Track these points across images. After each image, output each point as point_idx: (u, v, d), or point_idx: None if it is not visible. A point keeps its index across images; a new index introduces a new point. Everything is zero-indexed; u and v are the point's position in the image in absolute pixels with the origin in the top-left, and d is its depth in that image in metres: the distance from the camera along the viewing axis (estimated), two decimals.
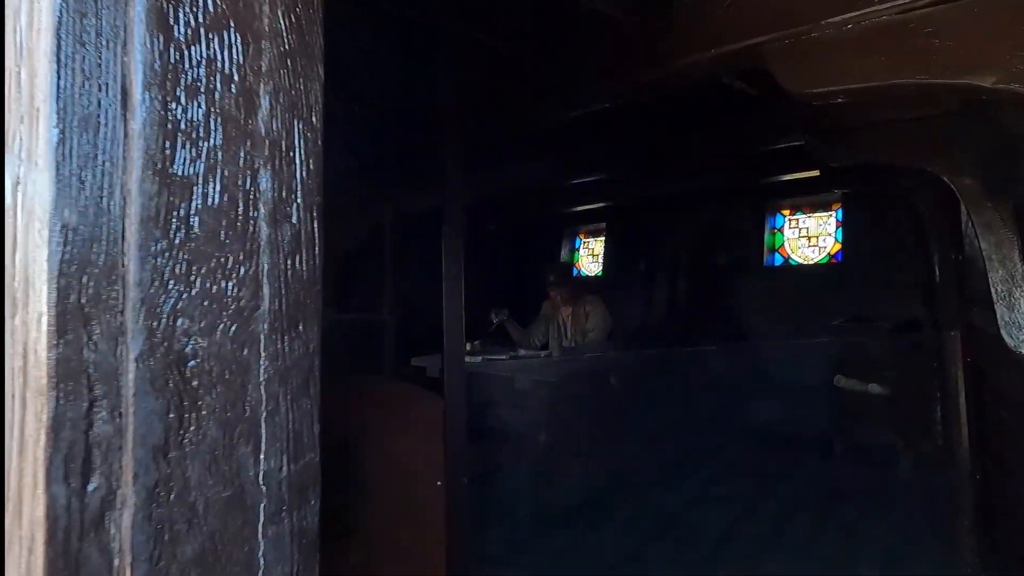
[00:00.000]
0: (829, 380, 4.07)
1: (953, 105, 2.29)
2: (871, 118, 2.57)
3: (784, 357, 5.01)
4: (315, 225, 0.60)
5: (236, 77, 0.54)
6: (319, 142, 0.61)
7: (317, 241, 0.61)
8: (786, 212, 5.54)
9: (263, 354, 0.55)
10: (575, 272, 7.12)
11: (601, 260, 6.75)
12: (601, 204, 5.41)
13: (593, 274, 6.88)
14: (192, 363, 0.50)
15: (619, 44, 1.75)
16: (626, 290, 6.30)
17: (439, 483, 2.02)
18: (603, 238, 6.79)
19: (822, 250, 5.26)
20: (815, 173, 3.95)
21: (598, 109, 2.23)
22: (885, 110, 2.54)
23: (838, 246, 5.07)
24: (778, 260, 5.49)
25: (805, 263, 5.28)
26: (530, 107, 2.23)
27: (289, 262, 0.58)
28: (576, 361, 3.84)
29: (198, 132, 0.52)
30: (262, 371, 0.55)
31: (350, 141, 2.83)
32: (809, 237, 5.38)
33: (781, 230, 5.54)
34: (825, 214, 5.29)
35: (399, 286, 4.92)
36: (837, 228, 5.13)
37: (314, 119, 0.61)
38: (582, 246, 7.17)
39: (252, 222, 0.55)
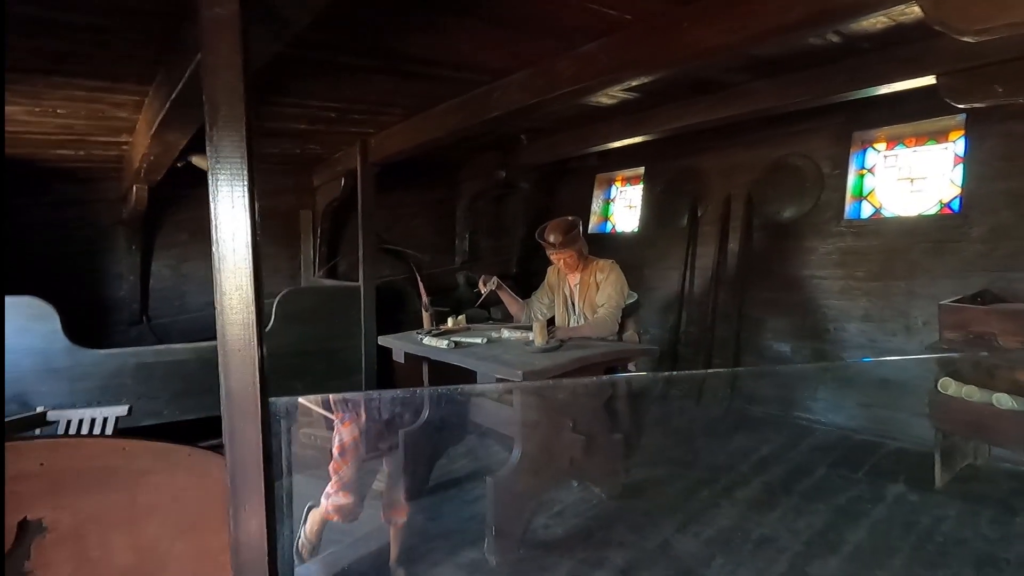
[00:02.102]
0: (932, 384, 2.88)
1: None
2: None
3: (869, 347, 3.79)
4: None
5: None
6: None
7: None
8: (880, 144, 4.14)
9: None
10: (605, 228, 6.00)
11: (638, 213, 5.58)
12: (639, 138, 4.14)
13: (629, 230, 5.74)
14: None
15: None
16: (665, 250, 5.15)
17: None
18: (641, 185, 5.60)
19: (931, 198, 3.87)
20: (928, 80, 2.66)
21: None
22: None
23: (957, 191, 3.68)
24: (866, 211, 4.15)
25: (905, 216, 3.91)
26: None
27: None
28: (569, 353, 2.87)
29: None
30: None
31: None
32: (912, 179, 3.99)
33: (872, 170, 4.17)
34: (939, 146, 3.87)
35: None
36: (956, 165, 3.72)
37: None
38: (617, 195, 6.01)
39: None
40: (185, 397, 3.56)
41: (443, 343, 3.04)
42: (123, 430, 3.20)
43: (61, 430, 3.01)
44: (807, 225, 4.21)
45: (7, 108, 2.62)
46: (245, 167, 1.25)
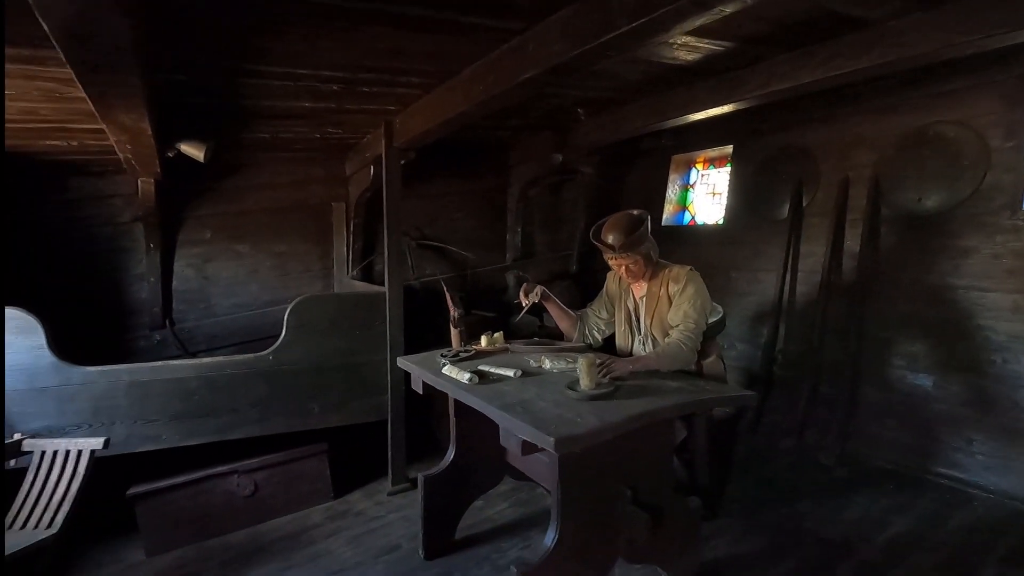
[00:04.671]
0: None
1: None
2: None
3: None
4: None
5: None
6: None
7: None
8: None
9: None
10: (682, 219, 5.08)
11: (724, 202, 4.63)
12: (728, 107, 3.03)
13: (712, 223, 4.80)
14: None
15: None
16: (758, 248, 4.20)
17: None
18: (728, 167, 4.64)
19: None
20: None
21: None
22: None
23: None
24: None
25: None
26: None
27: None
28: (627, 405, 2.10)
29: None
30: None
31: None
32: None
33: None
34: None
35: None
36: None
37: None
38: (697, 180, 5.06)
39: None
40: (186, 419, 3.13)
41: (464, 375, 2.37)
42: (106, 459, 2.81)
43: (35, 461, 2.64)
44: (962, 217, 3.14)
45: None
46: None
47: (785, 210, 4.00)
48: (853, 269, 3.57)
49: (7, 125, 2.71)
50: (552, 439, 1.71)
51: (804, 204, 3.92)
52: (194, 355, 4.20)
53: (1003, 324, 2.94)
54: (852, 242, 3.60)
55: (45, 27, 1.30)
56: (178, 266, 4.19)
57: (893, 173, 3.46)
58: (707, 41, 2.43)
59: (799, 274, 3.91)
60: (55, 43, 1.40)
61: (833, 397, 3.57)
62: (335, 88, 2.64)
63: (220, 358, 3.27)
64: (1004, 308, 2.94)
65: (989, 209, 3.04)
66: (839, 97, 3.55)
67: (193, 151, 2.88)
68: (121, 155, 2.84)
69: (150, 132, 2.35)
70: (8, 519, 2.49)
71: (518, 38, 2.11)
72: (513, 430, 1.91)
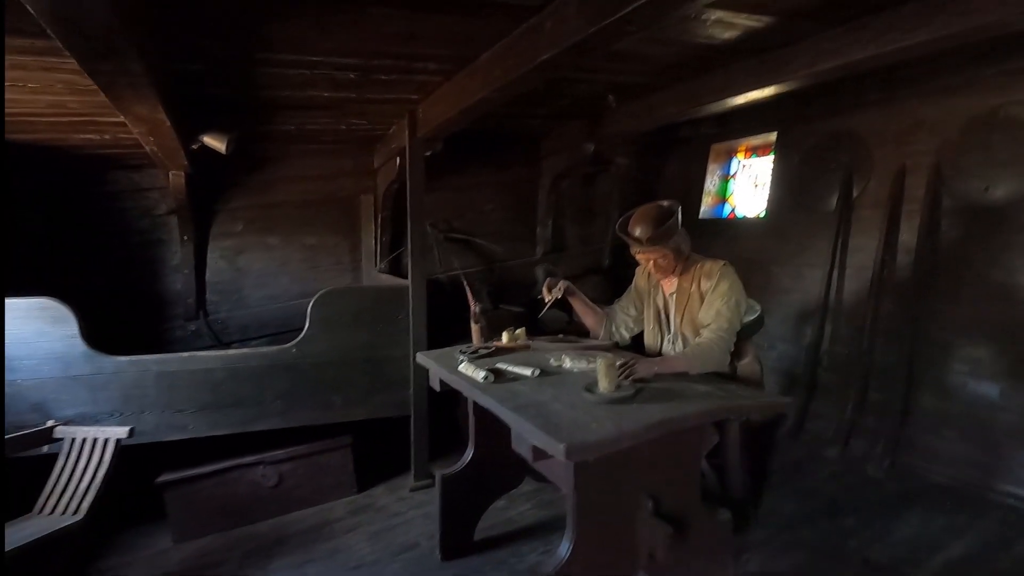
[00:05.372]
0: None
1: None
2: None
3: None
4: None
5: None
6: None
7: None
8: None
9: None
10: (722, 211, 4.82)
11: (767, 193, 4.36)
12: (771, 89, 2.76)
13: (753, 215, 4.54)
14: None
15: None
16: (803, 242, 3.93)
17: None
18: (772, 156, 4.36)
19: None
20: None
21: None
22: None
23: None
24: None
25: None
26: None
27: None
28: (648, 411, 1.95)
29: None
30: None
31: None
32: None
33: None
34: None
35: None
36: None
37: None
38: (739, 170, 4.79)
39: None
40: (213, 410, 3.16)
41: (480, 374, 2.28)
42: (136, 447, 2.87)
43: (65, 448, 2.71)
44: None
45: None
46: None
47: (833, 201, 3.72)
48: (909, 265, 3.28)
49: (38, 118, 2.77)
50: (562, 446, 1.59)
51: (854, 195, 3.64)
52: (227, 345, 4.26)
53: None
54: (908, 236, 3.31)
55: (32, 12, 1.26)
56: (211, 258, 4.25)
57: (957, 160, 3.15)
58: (744, 16, 2.23)
59: (848, 270, 3.63)
60: (48, 29, 1.37)
61: (884, 404, 3.30)
62: (352, 76, 2.57)
63: (246, 350, 3.30)
64: None
65: None
66: (896, 77, 3.25)
67: (215, 143, 2.88)
68: (147, 148, 2.87)
69: (169, 124, 2.34)
70: (38, 504, 2.56)
71: (535, 17, 1.99)
72: (524, 434, 1.80)
